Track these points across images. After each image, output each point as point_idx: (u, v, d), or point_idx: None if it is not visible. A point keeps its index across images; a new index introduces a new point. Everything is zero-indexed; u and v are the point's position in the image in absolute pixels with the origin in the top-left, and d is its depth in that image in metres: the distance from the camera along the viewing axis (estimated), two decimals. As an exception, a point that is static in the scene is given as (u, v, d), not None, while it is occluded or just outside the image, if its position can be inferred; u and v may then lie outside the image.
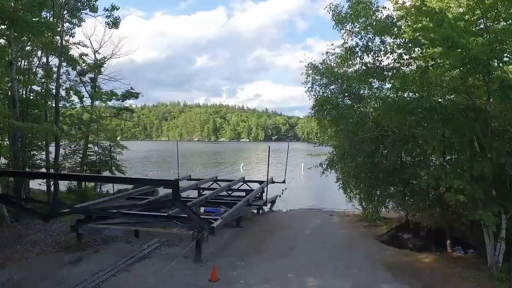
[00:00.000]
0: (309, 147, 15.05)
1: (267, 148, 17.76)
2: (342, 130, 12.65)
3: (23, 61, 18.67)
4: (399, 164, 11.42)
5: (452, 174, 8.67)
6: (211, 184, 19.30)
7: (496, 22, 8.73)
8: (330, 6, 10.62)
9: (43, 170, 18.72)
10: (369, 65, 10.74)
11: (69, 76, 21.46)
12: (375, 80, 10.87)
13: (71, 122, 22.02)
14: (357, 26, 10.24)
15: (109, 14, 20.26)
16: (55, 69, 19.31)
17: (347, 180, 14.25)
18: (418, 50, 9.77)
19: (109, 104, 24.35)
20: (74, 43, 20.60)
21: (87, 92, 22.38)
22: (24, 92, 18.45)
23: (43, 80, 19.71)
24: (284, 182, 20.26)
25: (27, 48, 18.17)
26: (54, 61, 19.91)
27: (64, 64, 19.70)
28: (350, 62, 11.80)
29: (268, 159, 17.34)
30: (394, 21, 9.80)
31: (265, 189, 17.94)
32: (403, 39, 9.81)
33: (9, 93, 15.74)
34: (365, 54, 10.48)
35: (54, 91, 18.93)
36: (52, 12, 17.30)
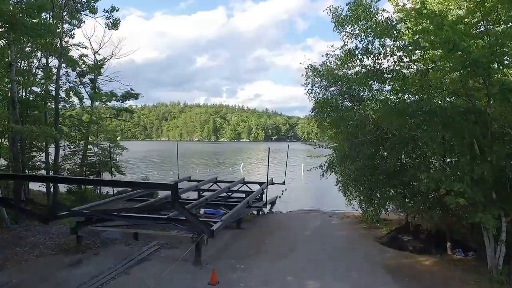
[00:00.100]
0: (309, 147, 14.99)
1: (267, 148, 17.73)
2: (342, 132, 12.63)
3: (22, 62, 18.65)
4: (399, 166, 11.39)
5: (452, 177, 8.65)
6: (211, 185, 19.28)
7: (496, 25, 8.71)
8: (330, 8, 10.60)
9: (43, 171, 18.71)
10: (369, 68, 10.72)
11: (69, 78, 21.45)
12: (375, 82, 10.85)
13: (71, 124, 22.00)
14: (357, 29, 10.23)
15: (109, 16, 20.28)
16: (54, 70, 19.29)
17: (347, 182, 14.23)
18: (418, 53, 9.75)
19: (109, 105, 24.38)
20: (74, 45, 20.61)
21: (87, 93, 22.37)
22: (24, 94, 18.43)
23: (42, 81, 19.69)
24: (284, 183, 20.24)
25: (27, 49, 18.15)
26: (54, 62, 19.93)
27: (63, 65, 19.67)
28: (350, 64, 11.79)
29: (268, 160, 17.33)
30: (394, 23, 9.77)
31: (265, 190, 17.91)
32: (403, 42, 9.79)
33: (9, 95, 15.74)
34: (365, 56, 10.46)
35: (53, 92, 18.90)
36: (52, 13, 17.29)
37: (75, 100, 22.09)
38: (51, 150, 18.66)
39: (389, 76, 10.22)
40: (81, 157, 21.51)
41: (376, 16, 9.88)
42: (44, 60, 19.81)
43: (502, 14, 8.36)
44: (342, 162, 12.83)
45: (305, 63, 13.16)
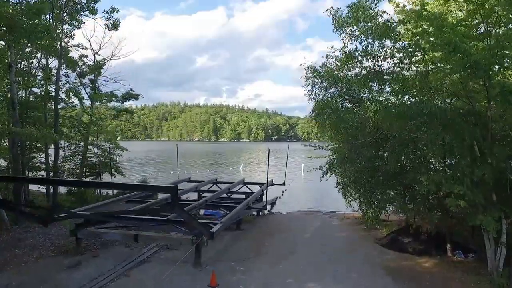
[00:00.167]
0: (309, 148, 14.95)
1: (267, 148, 17.75)
2: (342, 133, 12.61)
3: (22, 63, 18.65)
4: (398, 168, 11.36)
5: (453, 179, 8.63)
6: (211, 186, 19.28)
7: (496, 27, 8.69)
8: (330, 10, 10.58)
9: (43, 172, 18.71)
10: (369, 69, 10.70)
11: (69, 78, 21.45)
12: (375, 84, 10.83)
13: (71, 125, 21.99)
14: (357, 30, 10.20)
15: (108, 16, 20.26)
16: (54, 71, 19.29)
17: (347, 184, 14.22)
18: (419, 55, 9.73)
19: (109, 105, 24.38)
20: (74, 46, 20.61)
21: (87, 93, 22.37)
22: (24, 94, 18.44)
23: (42, 82, 19.69)
24: (284, 184, 20.24)
25: (27, 50, 18.15)
26: (54, 63, 19.93)
27: (63, 66, 19.67)
28: (350, 66, 11.77)
29: (268, 162, 17.32)
30: (393, 25, 9.75)
31: (265, 191, 17.90)
32: (403, 43, 9.77)
33: (9, 96, 15.73)
34: (364, 58, 10.44)
35: (53, 93, 18.89)
36: (52, 14, 17.28)
37: (75, 100, 22.12)
38: (51, 151, 18.66)
39: (389, 78, 10.20)
40: (81, 158, 21.50)
41: (376, 18, 9.85)
42: (44, 61, 19.83)
43: (503, 16, 8.34)
44: (342, 164, 12.81)
45: (305, 64, 13.16)
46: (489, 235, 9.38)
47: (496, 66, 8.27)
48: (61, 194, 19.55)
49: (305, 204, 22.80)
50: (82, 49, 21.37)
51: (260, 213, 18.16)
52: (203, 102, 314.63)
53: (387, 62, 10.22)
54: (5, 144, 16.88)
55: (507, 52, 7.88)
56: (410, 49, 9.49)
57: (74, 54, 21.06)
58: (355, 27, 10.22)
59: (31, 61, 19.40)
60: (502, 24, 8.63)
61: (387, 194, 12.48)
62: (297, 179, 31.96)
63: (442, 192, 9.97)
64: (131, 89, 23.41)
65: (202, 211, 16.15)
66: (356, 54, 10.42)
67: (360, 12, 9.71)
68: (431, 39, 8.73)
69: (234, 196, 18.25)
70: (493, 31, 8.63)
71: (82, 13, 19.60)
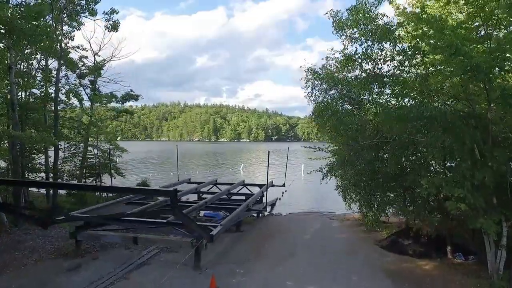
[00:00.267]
0: (309, 150, 14.92)
1: (267, 148, 17.80)
2: (342, 135, 12.60)
3: (22, 64, 18.63)
4: (399, 170, 11.34)
5: (453, 182, 8.61)
6: (211, 188, 19.28)
7: (497, 30, 8.66)
8: (330, 12, 10.56)
9: (43, 174, 18.69)
10: (369, 72, 10.68)
11: (69, 80, 21.42)
12: (375, 86, 10.81)
13: (71, 126, 21.98)
14: (357, 32, 10.18)
15: (108, 18, 20.27)
16: (54, 72, 19.27)
17: (347, 187, 14.21)
18: (418, 58, 9.71)
19: (109, 106, 24.35)
20: (74, 47, 20.58)
21: (87, 94, 22.35)
22: (23, 96, 18.43)
23: (42, 83, 19.67)
24: (284, 186, 20.23)
25: (27, 51, 18.13)
26: (53, 64, 19.92)
27: (63, 67, 19.65)
28: (350, 67, 11.74)
29: (268, 163, 17.31)
30: (393, 28, 9.73)
31: (265, 193, 17.89)
32: (402, 46, 9.75)
33: (8, 97, 15.72)
34: (364, 61, 10.42)
35: (53, 94, 18.87)
36: (51, 15, 17.28)
37: (74, 102, 22.10)
38: (51, 152, 18.65)
39: (389, 80, 10.17)
40: (81, 159, 21.48)
41: (376, 20, 9.83)
42: (43, 62, 19.82)
43: (503, 19, 8.31)
44: (342, 167, 12.80)
45: (304, 66, 13.15)
46: (489, 237, 9.36)
47: (497, 69, 8.23)
48: (61, 195, 19.52)
49: (305, 205, 22.78)
50: (82, 50, 21.38)
51: (260, 214, 18.15)
52: (203, 102, 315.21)
53: (387, 65, 10.21)
54: (5, 145, 16.88)
55: (508, 55, 7.85)
56: (410, 52, 9.45)
57: (74, 55, 21.08)
58: (355, 29, 10.20)
59: (31, 62, 19.39)
60: (502, 27, 8.60)
61: (387, 197, 12.46)
62: (297, 180, 31.94)
63: (442, 194, 9.96)
64: (131, 90, 23.42)
65: (202, 213, 16.14)
66: (356, 57, 10.40)
67: (360, 15, 9.69)
68: (432, 41, 8.72)
69: (234, 197, 18.24)
70: (494, 34, 8.60)
71: (82, 15, 19.64)
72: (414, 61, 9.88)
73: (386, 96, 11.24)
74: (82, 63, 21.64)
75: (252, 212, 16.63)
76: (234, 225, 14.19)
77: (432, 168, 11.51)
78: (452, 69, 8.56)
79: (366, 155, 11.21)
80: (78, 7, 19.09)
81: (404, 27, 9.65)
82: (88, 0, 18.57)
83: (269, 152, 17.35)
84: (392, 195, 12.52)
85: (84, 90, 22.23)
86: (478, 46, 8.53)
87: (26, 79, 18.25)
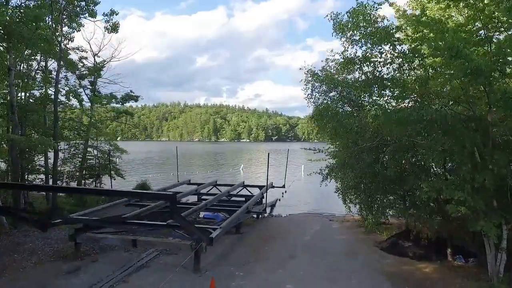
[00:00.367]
0: (309, 152, 14.89)
1: (267, 148, 17.83)
2: (341, 138, 12.58)
3: (22, 65, 18.61)
4: (398, 173, 11.30)
5: (453, 185, 8.58)
6: (211, 189, 19.26)
7: (497, 33, 8.64)
8: (330, 15, 10.54)
9: (42, 176, 18.68)
10: (369, 75, 10.67)
11: (68, 81, 21.43)
12: (375, 88, 10.79)
13: (71, 127, 21.97)
14: (357, 35, 10.16)
15: (108, 19, 20.27)
16: (54, 73, 19.25)
17: (346, 190, 14.19)
18: (416, 61, 9.69)
19: (109, 107, 24.35)
20: (73, 48, 20.59)
21: (87, 95, 22.35)
22: (23, 97, 18.41)
23: (42, 84, 19.65)
24: (284, 187, 20.21)
25: (26, 52, 18.10)
26: (53, 65, 19.91)
27: (63, 68, 19.64)
28: (350, 69, 11.72)
29: (268, 165, 17.29)
30: (393, 31, 9.71)
31: (265, 194, 17.87)
32: (402, 48, 9.74)
33: (8, 98, 15.70)
34: (364, 64, 10.40)
35: (53, 96, 18.86)
36: (51, 16, 17.26)
37: (74, 103, 22.10)
38: (51, 154, 18.63)
39: (389, 83, 10.16)
40: (80, 160, 21.47)
41: (376, 23, 9.81)
42: (43, 63, 19.80)
43: (504, 22, 8.29)
44: (341, 169, 12.78)
45: (304, 68, 13.12)
46: (489, 240, 9.34)
47: (497, 73, 8.21)
48: (60, 196, 19.47)
49: (305, 206, 22.76)
50: (82, 51, 21.39)
51: (260, 216, 18.13)
52: (203, 102, 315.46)
53: (387, 68, 10.19)
54: (4, 146, 16.87)
55: (509, 58, 7.82)
56: (410, 54, 9.43)
57: (74, 56, 21.09)
58: (355, 32, 10.18)
59: (30, 63, 19.38)
60: (502, 29, 8.58)
61: (387, 199, 12.43)
62: (297, 181, 31.94)
63: (442, 196, 9.93)
64: (131, 91, 23.46)
65: (202, 214, 16.12)
66: (356, 60, 10.38)
67: (360, 17, 9.67)
68: (432, 43, 8.68)
69: (234, 199, 18.22)
70: (494, 36, 8.58)
71: (82, 16, 19.62)
72: (414, 64, 9.85)
73: (386, 98, 11.24)
74: (82, 64, 21.69)
75: (252, 213, 16.61)
76: (233, 226, 14.16)
77: (432, 170, 11.50)
78: (452, 72, 8.54)
79: (366, 158, 11.19)
80: (78, 9, 19.06)
81: (403, 31, 9.63)
82: (88, 1, 18.55)
83: (268, 154, 17.34)
84: (392, 197, 12.50)
85: (84, 91, 22.28)
86: (479, 49, 8.51)
87: (25, 80, 18.24)
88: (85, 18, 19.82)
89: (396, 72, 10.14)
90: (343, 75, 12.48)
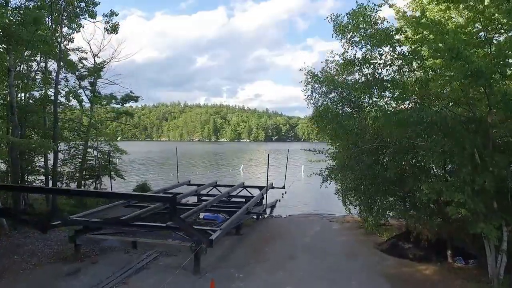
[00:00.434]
0: (309, 153, 14.88)
1: (267, 149, 17.85)
2: (341, 139, 12.58)
3: (22, 65, 18.59)
4: (398, 174, 11.30)
5: (453, 187, 8.57)
6: (211, 190, 19.27)
7: (497, 34, 8.63)
8: (331, 16, 10.54)
9: (42, 177, 18.66)
10: (368, 76, 10.66)
11: (68, 82, 21.41)
12: (375, 89, 10.78)
13: (70, 128, 21.96)
14: (357, 36, 10.16)
15: (108, 20, 20.24)
16: (53, 74, 19.24)
17: (346, 192, 14.19)
18: (415, 64, 9.68)
19: (109, 108, 24.34)
20: (73, 49, 20.58)
21: (87, 96, 22.33)
22: (23, 98, 18.39)
23: (41, 85, 19.65)
24: (284, 188, 20.21)
25: (26, 53, 18.09)
26: (53, 65, 19.89)
27: (63, 69, 19.63)
28: (350, 70, 11.71)
29: (268, 165, 17.29)
30: (393, 32, 9.70)
31: (265, 195, 17.88)
32: (402, 50, 9.73)
33: (7, 99, 15.70)
34: (364, 66, 10.40)
35: (52, 96, 18.86)
36: (51, 17, 17.25)
37: (74, 103, 22.09)
38: (50, 155, 18.62)
39: (389, 85, 10.15)
40: (80, 161, 21.46)
41: (376, 25, 9.80)
42: (43, 64, 19.79)
43: (504, 24, 8.28)
44: (342, 171, 12.78)
45: (304, 69, 13.12)
46: (489, 242, 9.33)
47: (498, 75, 8.20)
48: (60, 198, 19.47)
49: (305, 206, 22.75)
50: (82, 52, 21.37)
51: (260, 217, 18.13)
52: (204, 102, 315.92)
53: (387, 69, 10.18)
54: (3, 146, 16.87)
55: (509, 60, 7.81)
56: (410, 56, 9.42)
57: (74, 57, 21.07)
58: (355, 33, 10.17)
59: (30, 64, 19.35)
60: (502, 31, 8.57)
61: (387, 201, 12.42)
62: (297, 181, 31.93)
63: (442, 198, 9.93)
64: (131, 91, 23.41)
65: (202, 215, 16.13)
66: (356, 61, 10.37)
67: (360, 19, 9.66)
68: (433, 45, 8.67)
69: (234, 199, 18.22)
70: (494, 38, 8.57)
71: (82, 17, 19.59)
72: (413, 65, 9.84)
73: (386, 99, 11.23)
74: (81, 65, 21.67)
75: (252, 214, 16.61)
76: (233, 228, 14.16)
77: (432, 172, 11.49)
78: (452, 73, 8.53)
79: (366, 159, 11.18)
80: (78, 9, 19.04)
81: (403, 33, 9.62)
82: (88, 2, 18.54)
83: (268, 154, 17.34)
84: (392, 199, 12.49)
85: (84, 92, 22.25)
86: (479, 51, 8.50)
87: (25, 81, 18.23)
88: (85, 19, 19.83)
89: (396, 73, 10.13)
90: (343, 77, 12.48)
